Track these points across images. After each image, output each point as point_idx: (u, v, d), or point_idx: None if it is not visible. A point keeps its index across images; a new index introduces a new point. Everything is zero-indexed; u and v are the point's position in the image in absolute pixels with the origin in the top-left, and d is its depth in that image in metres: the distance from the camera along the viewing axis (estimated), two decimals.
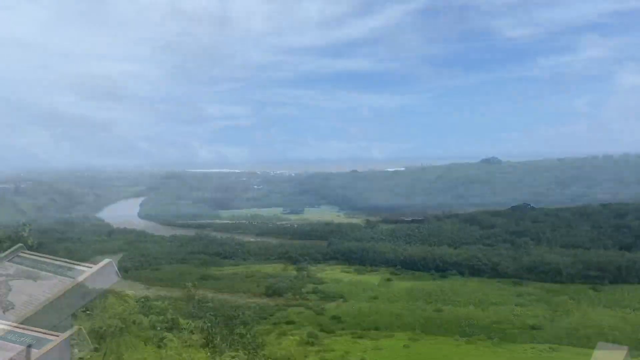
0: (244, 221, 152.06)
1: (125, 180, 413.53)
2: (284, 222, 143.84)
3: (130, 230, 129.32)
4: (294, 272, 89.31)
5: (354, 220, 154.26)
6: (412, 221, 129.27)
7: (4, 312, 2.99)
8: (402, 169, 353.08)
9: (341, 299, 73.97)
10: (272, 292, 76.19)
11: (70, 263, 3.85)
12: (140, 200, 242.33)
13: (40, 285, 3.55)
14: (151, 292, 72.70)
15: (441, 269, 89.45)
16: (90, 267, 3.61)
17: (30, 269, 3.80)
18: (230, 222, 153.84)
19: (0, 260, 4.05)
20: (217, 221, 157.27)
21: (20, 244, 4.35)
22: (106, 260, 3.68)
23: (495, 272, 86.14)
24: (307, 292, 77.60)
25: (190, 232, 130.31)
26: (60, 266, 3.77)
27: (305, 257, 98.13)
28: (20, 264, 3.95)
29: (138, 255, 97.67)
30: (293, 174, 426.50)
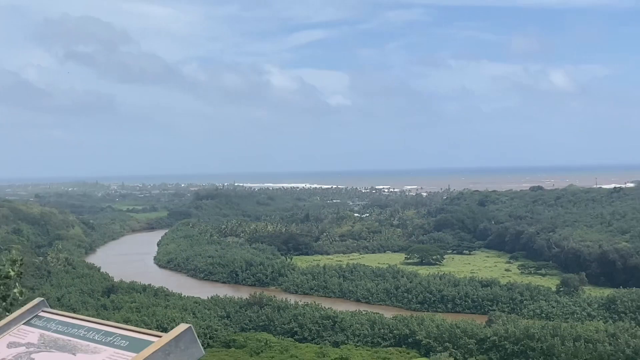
0: (334, 276, 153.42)
1: (133, 201, 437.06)
2: (407, 280, 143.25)
3: (140, 287, 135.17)
4: None
5: (537, 279, 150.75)
6: None
7: None
8: (630, 184, 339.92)
9: None
10: None
11: (122, 328, 4.02)
12: (158, 235, 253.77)
13: None
14: None
15: None
16: (160, 336, 3.74)
17: (62, 337, 3.99)
18: (310, 276, 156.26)
19: (14, 322, 4.24)
20: (289, 275, 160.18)
21: (41, 298, 4.60)
22: (183, 326, 3.79)
23: None
24: None
25: (243, 293, 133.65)
26: (107, 333, 3.92)
27: (447, 344, 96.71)
28: (46, 328, 4.15)
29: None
30: (424, 193, 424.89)
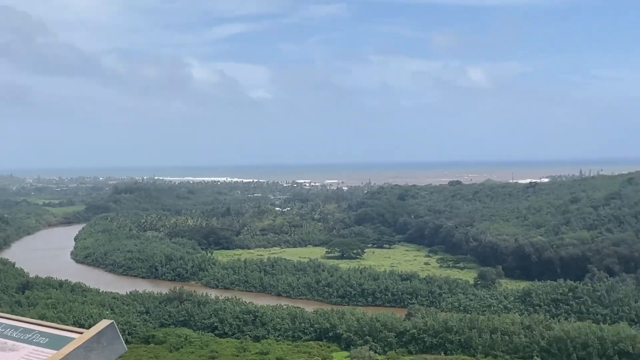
0: (255, 270, 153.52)
1: (50, 195, 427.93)
2: (327, 274, 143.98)
3: (56, 282, 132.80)
4: None
5: (455, 272, 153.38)
6: (564, 277, 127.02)
7: None
8: (545, 179, 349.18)
9: None
10: None
11: (41, 325, 3.91)
12: (76, 229, 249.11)
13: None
14: None
15: None
16: (81, 333, 3.65)
17: None
18: (231, 271, 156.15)
19: None
20: (209, 269, 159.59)
21: None
22: (105, 322, 3.71)
23: None
24: None
25: (162, 288, 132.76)
26: (25, 330, 3.81)
27: (367, 337, 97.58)
28: None
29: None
30: (345, 188, 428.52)
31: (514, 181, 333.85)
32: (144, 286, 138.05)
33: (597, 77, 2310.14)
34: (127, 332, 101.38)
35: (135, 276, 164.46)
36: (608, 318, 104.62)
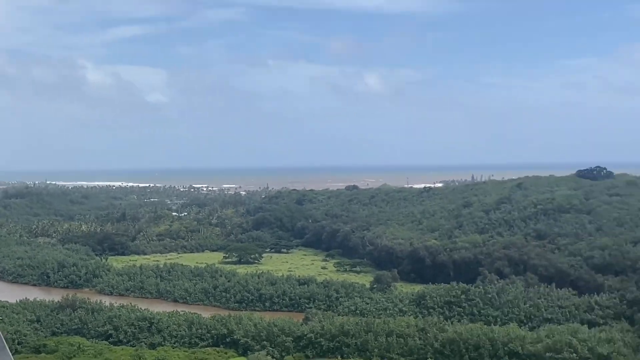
0: (151, 276, 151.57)
1: None
2: (225, 279, 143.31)
3: None
4: None
5: (352, 276, 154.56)
6: (457, 280, 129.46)
7: None
8: (439, 184, 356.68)
9: None
10: None
11: None
12: None
13: None
14: None
15: None
16: None
17: None
18: (126, 277, 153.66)
19: None
20: (104, 276, 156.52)
21: None
22: None
23: None
24: None
25: (55, 296, 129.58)
26: None
27: (265, 342, 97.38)
28: None
29: None
30: (243, 192, 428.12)
31: (409, 186, 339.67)
32: (35, 294, 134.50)
33: (487, 85, 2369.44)
34: (16, 341, 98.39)
35: (26, 284, 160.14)
36: (499, 319, 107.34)
